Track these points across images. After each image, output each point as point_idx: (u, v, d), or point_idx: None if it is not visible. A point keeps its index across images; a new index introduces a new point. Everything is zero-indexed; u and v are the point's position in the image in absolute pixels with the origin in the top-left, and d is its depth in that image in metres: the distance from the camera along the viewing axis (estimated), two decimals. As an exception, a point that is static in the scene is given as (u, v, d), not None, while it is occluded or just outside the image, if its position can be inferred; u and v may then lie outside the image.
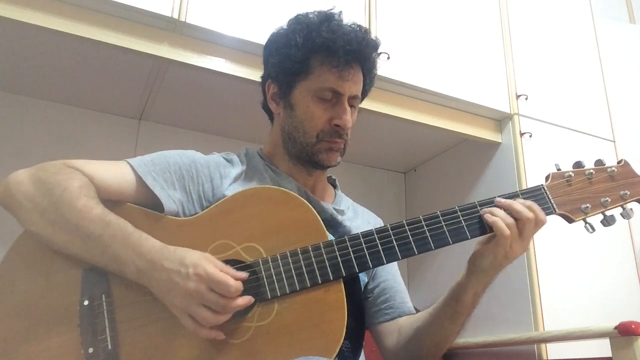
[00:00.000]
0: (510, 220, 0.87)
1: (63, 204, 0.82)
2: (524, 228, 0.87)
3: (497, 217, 0.87)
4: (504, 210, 0.88)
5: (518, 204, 0.88)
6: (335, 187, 1.17)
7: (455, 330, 0.96)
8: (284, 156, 1.06)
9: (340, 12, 1.02)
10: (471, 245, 0.91)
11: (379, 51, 1.05)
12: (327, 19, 0.99)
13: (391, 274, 1.12)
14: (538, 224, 0.88)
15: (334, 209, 1.04)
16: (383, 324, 1.07)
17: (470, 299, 0.93)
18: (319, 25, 0.98)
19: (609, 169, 0.94)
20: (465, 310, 0.94)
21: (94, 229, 0.81)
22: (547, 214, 0.91)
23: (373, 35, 1.04)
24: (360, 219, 1.12)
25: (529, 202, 0.89)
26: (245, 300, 0.79)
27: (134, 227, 0.83)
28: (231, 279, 0.77)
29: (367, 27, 1.61)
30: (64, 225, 0.82)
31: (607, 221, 0.92)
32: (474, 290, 0.93)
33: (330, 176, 1.18)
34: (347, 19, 1.02)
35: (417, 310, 1.08)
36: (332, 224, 1.02)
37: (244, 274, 0.80)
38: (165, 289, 0.78)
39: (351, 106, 1.02)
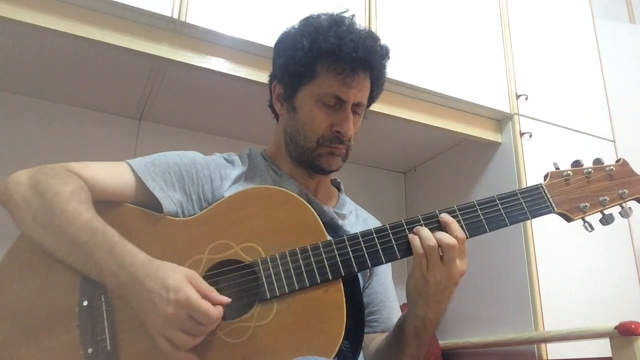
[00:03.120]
0: (431, 242, 0.83)
1: (53, 207, 0.82)
2: (444, 252, 0.83)
3: (416, 236, 0.85)
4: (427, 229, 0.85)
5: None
6: (339, 190, 1.16)
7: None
8: (286, 158, 1.05)
9: (353, 16, 1.00)
10: (471, 244, 0.90)
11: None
12: (337, 23, 0.97)
13: (384, 287, 1.10)
14: (456, 247, 0.84)
15: (335, 212, 1.04)
16: (365, 335, 1.04)
17: (412, 331, 0.91)
18: (327, 29, 0.96)
19: (607, 168, 0.94)
20: (408, 342, 0.92)
21: (80, 236, 0.80)
22: (546, 213, 0.91)
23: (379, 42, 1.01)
24: (361, 225, 1.11)
25: (447, 220, 0.86)
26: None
27: (120, 236, 0.81)
28: (211, 307, 0.75)
29: (367, 26, 1.61)
30: (53, 229, 0.81)
31: (606, 220, 0.92)
32: (413, 323, 0.90)
33: (335, 179, 1.17)
34: (359, 23, 0.99)
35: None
36: (332, 227, 1.01)
37: (226, 299, 0.77)
38: (145, 308, 0.76)
39: (355, 113, 1.01)
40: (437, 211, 0.89)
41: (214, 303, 0.76)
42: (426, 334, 0.91)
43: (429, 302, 0.87)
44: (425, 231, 0.85)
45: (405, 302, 0.93)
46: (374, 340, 1.05)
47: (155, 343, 0.78)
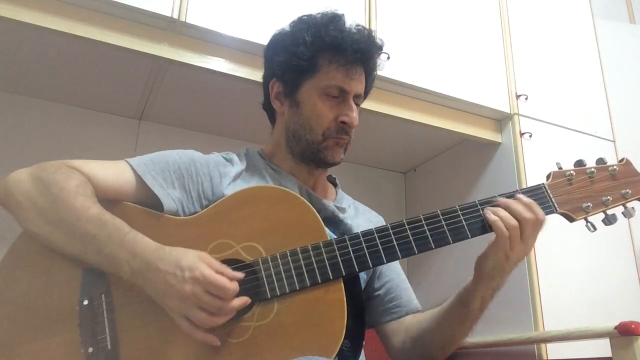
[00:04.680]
0: (513, 221, 0.86)
1: (60, 202, 0.82)
2: (524, 229, 0.86)
3: (497, 217, 0.86)
4: (505, 209, 0.87)
5: (517, 204, 0.87)
6: (335, 185, 1.17)
7: (464, 333, 0.97)
8: (286, 155, 1.06)
9: (343, 14, 1.03)
10: (472, 244, 0.91)
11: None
12: (333, 19, 1.01)
13: (396, 273, 1.12)
14: (537, 224, 0.87)
15: (336, 206, 1.05)
16: (390, 323, 1.08)
17: (478, 304, 0.93)
18: (326, 24, 1.00)
19: (610, 168, 0.94)
20: (473, 315, 0.95)
21: (90, 229, 0.81)
22: (548, 213, 0.91)
23: (375, 36, 1.05)
24: (361, 218, 1.13)
25: (528, 201, 0.88)
26: (242, 301, 0.79)
27: (130, 227, 0.83)
28: (227, 281, 0.77)
29: (368, 27, 1.61)
30: (61, 225, 0.82)
31: (609, 220, 0.92)
32: (481, 294, 0.92)
33: (331, 175, 1.18)
34: (349, 20, 1.03)
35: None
36: (334, 221, 1.02)
37: (240, 274, 0.80)
38: (161, 291, 0.78)
39: (355, 104, 1.03)
40: (497, 195, 0.91)
41: (229, 279, 0.78)
42: (488, 302, 0.95)
43: (504, 275, 0.91)
44: (505, 212, 0.87)
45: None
46: (403, 324, 1.07)
47: (156, 342, 0.78)
